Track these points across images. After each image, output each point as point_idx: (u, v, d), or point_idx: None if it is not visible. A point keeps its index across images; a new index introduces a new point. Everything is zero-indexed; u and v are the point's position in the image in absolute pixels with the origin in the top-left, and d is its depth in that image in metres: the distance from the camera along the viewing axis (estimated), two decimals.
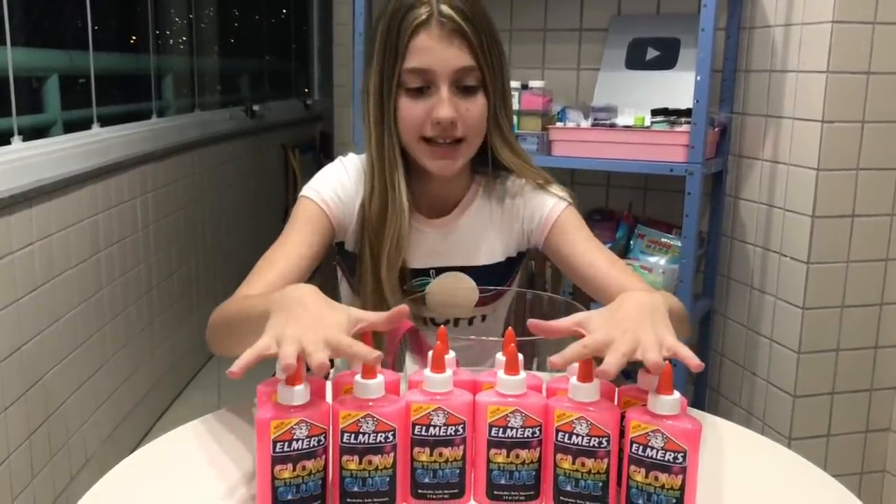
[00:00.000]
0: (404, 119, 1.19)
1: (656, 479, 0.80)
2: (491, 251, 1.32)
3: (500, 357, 0.92)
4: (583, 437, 0.82)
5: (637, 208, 2.50)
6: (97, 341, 2.53)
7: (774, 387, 2.23)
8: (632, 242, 2.36)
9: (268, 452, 0.80)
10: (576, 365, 0.87)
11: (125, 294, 2.75)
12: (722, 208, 2.43)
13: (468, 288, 1.31)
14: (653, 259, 2.30)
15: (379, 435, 0.82)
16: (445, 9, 1.17)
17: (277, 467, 0.80)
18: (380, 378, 0.83)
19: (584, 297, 1.71)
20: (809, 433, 2.18)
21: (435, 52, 1.16)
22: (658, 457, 0.80)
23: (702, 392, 2.51)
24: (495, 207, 1.34)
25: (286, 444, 0.80)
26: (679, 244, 2.27)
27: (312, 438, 0.81)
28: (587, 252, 1.27)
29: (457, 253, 1.32)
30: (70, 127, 2.65)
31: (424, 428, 0.84)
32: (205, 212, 3.60)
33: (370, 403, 0.82)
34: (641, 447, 0.81)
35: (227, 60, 4.53)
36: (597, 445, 0.82)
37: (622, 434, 0.83)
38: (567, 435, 0.83)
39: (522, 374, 0.85)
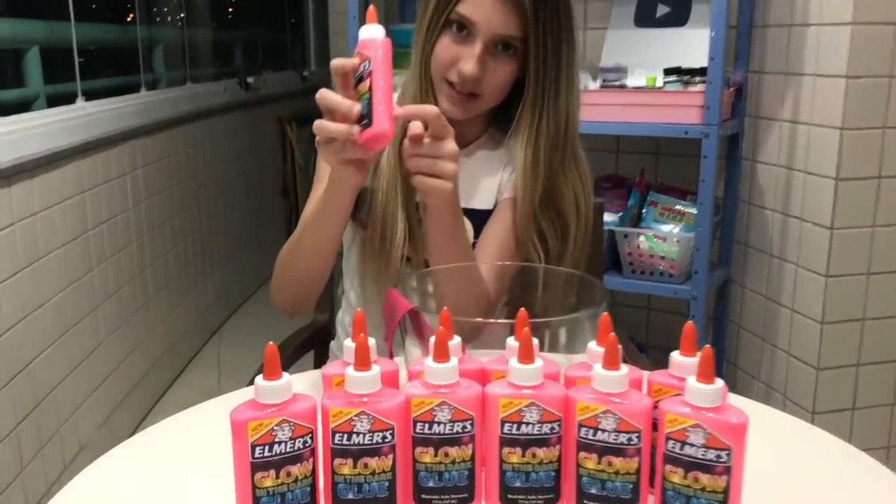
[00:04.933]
0: (437, 56, 1.20)
1: (696, 480, 0.70)
2: (483, 197, 1.30)
3: (511, 342, 0.81)
4: (610, 432, 0.72)
5: (649, 174, 2.38)
6: (89, 324, 2.43)
7: (796, 359, 2.12)
8: (644, 210, 2.24)
9: (246, 458, 0.70)
10: (597, 350, 0.76)
11: (117, 274, 2.65)
12: (738, 172, 2.31)
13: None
14: (666, 227, 2.19)
15: (375, 435, 0.72)
16: None
17: (258, 475, 0.70)
18: (375, 369, 0.73)
19: (595, 274, 1.60)
20: (834, 406, 2.08)
21: (486, 9, 1.15)
22: (699, 455, 0.69)
23: (719, 365, 2.40)
24: (494, 158, 1.32)
25: (267, 447, 0.70)
26: (694, 211, 2.16)
27: (297, 440, 0.71)
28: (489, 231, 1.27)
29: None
30: (54, 102, 2.53)
31: (427, 425, 0.74)
32: (200, 188, 3.48)
33: (364, 399, 0.72)
34: (679, 444, 0.70)
35: (220, 31, 4.39)
36: (626, 442, 0.72)
37: (654, 428, 0.73)
38: (591, 430, 0.73)
39: (538, 361, 0.74)
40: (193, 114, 3.41)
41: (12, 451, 1.98)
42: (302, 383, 1.07)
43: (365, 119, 0.94)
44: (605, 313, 0.79)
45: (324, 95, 0.99)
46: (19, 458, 2.01)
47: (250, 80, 4.13)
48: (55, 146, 2.24)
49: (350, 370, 0.73)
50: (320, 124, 0.99)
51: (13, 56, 2.50)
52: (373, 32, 0.97)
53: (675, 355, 0.77)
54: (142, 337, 2.85)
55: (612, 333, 0.73)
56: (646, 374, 0.80)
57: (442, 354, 0.74)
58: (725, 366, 2.41)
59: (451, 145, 1.02)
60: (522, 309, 0.79)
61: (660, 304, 2.51)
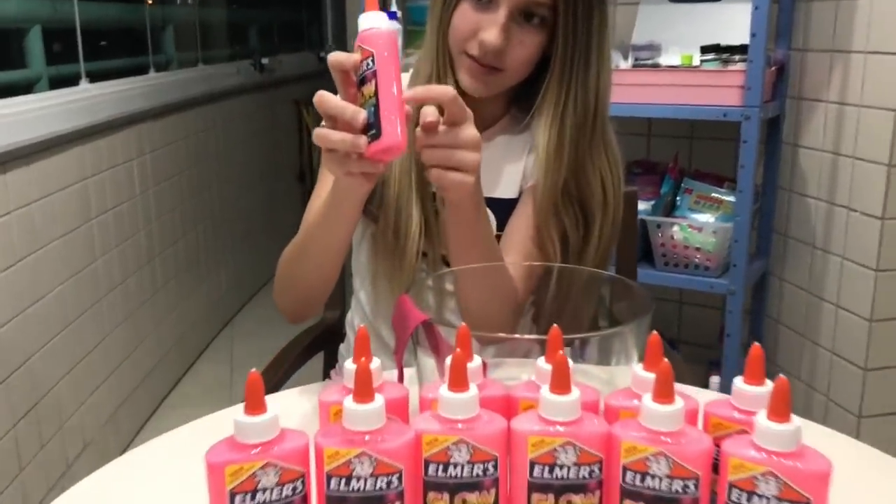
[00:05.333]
0: (456, 26, 1.08)
1: None
2: (507, 185, 1.18)
3: (542, 365, 0.68)
4: (662, 478, 0.59)
5: (682, 159, 2.23)
6: (92, 317, 2.33)
7: (841, 358, 1.98)
8: (678, 198, 2.10)
9: None
10: (645, 376, 0.64)
11: (123, 265, 2.54)
12: (778, 158, 2.16)
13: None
14: (702, 217, 2.04)
15: (379, 479, 0.60)
16: None
17: None
18: (378, 401, 0.60)
19: (629, 271, 1.47)
20: (882, 410, 1.94)
21: None
22: None
23: None
24: (518, 142, 1.19)
25: (248, 496, 0.58)
26: (732, 199, 2.02)
27: (286, 486, 0.59)
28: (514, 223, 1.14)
29: None
30: (57, 84, 2.42)
31: (442, 467, 0.61)
32: (212, 173, 3.37)
33: (366, 437, 0.60)
34: (746, 495, 0.58)
35: (234, 10, 4.27)
36: (681, 490, 0.59)
37: (714, 471, 0.60)
38: (639, 476, 0.60)
39: (575, 392, 0.61)
40: (205, 96, 3.29)
41: (9, 451, 1.88)
42: (301, 402, 0.96)
43: (373, 129, 0.82)
44: (654, 332, 0.66)
45: (323, 99, 0.86)
46: (17, 458, 1.91)
47: (265, 61, 4.00)
48: (56, 130, 2.13)
49: (349, 402, 0.60)
50: (321, 134, 0.86)
51: (14, 36, 2.38)
52: (375, 21, 0.84)
53: (740, 383, 0.65)
54: (149, 330, 2.75)
55: (665, 360, 0.61)
56: (702, 403, 0.67)
57: (459, 382, 0.62)
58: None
59: (470, 131, 0.89)
60: (555, 327, 0.66)
61: (692, 298, 2.37)
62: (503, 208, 1.16)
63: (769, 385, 0.63)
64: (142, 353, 2.67)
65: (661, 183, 2.11)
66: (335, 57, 0.87)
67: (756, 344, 0.63)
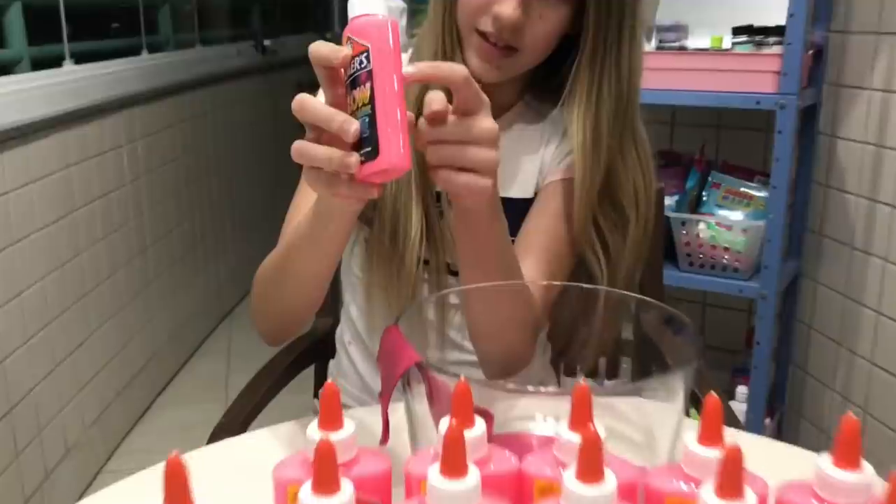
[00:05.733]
0: (464, 2, 0.92)
1: None
2: (522, 183, 1.04)
3: (565, 436, 0.53)
4: None
5: (709, 151, 2.07)
6: (76, 314, 2.19)
7: (881, 369, 1.82)
8: (704, 193, 1.94)
9: None
10: (702, 454, 0.49)
11: (111, 257, 2.40)
12: (814, 150, 1.99)
13: None
14: (731, 214, 1.88)
15: None
16: None
17: None
18: (345, 491, 0.45)
19: (655, 277, 1.32)
20: None
21: None
22: None
23: (784, 370, 2.11)
24: (534, 133, 1.04)
25: None
26: (763, 195, 1.86)
27: None
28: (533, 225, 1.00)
29: None
30: (41, 66, 2.27)
31: None
32: (209, 160, 3.22)
33: None
34: None
35: None
36: None
37: None
38: None
39: (610, 478, 0.46)
40: (203, 79, 3.13)
41: None
42: (275, 447, 0.80)
43: (367, 145, 0.65)
44: (713, 395, 0.50)
45: (304, 105, 0.69)
46: None
47: (267, 42, 3.84)
48: (38, 114, 1.99)
49: (306, 493, 0.45)
50: (302, 149, 0.69)
51: None
52: (370, 5, 0.67)
53: (825, 464, 0.49)
54: (140, 325, 2.61)
55: (735, 444, 0.45)
56: (771, 488, 0.51)
57: (455, 467, 0.46)
58: (792, 370, 2.11)
59: (487, 123, 0.72)
60: (583, 385, 0.51)
61: (717, 299, 2.20)
62: (516, 210, 1.01)
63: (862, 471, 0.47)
64: (132, 349, 2.53)
65: (686, 176, 1.95)
66: (319, 50, 0.69)
67: (850, 414, 0.47)
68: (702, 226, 1.86)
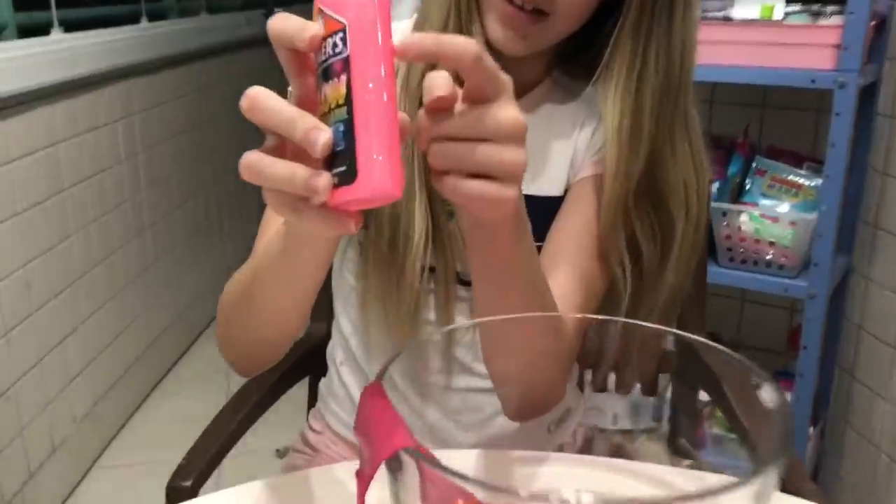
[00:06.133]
0: None
1: None
2: (551, 178, 0.87)
3: None
4: None
5: (752, 133, 1.88)
6: (66, 301, 2.04)
7: None
8: (748, 181, 1.75)
9: None
10: None
11: (105, 240, 2.25)
12: (871, 133, 1.79)
13: None
14: (779, 205, 1.70)
15: None
16: None
17: None
18: None
19: (699, 278, 1.15)
20: None
21: None
22: None
23: (829, 373, 1.93)
24: (565, 115, 0.87)
25: None
26: (814, 183, 1.67)
27: None
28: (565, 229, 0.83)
29: None
30: (29, 33, 2.12)
31: None
32: (215, 135, 3.05)
33: None
34: None
35: None
36: None
37: None
38: None
39: None
40: (208, 49, 2.97)
41: None
42: None
43: (342, 163, 0.48)
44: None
45: (256, 103, 0.52)
46: None
47: (278, 10, 3.66)
48: (21, 86, 1.83)
49: None
50: (255, 164, 0.52)
51: None
52: None
53: None
54: (138, 311, 2.46)
55: None
56: None
57: None
58: (839, 375, 1.93)
59: (508, 113, 0.54)
60: None
61: (757, 296, 2.02)
62: (543, 210, 0.84)
63: None
64: (128, 336, 2.39)
65: (728, 162, 1.76)
66: (279, 26, 0.52)
67: None
68: (744, 217, 1.68)
